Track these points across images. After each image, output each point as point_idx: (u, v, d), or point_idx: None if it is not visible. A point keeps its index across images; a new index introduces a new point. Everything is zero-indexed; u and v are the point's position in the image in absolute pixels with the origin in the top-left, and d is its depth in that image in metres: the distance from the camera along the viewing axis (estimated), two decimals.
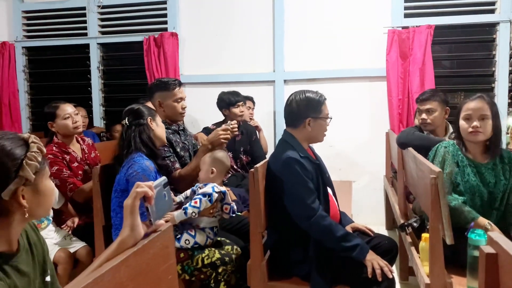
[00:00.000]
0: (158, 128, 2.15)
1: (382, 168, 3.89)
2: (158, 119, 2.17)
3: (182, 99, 2.48)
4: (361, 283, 1.83)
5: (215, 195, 1.98)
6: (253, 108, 3.94)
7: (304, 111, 2.04)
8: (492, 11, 3.69)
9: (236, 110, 3.36)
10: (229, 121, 2.45)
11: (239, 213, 2.74)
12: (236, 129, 2.38)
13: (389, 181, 3.68)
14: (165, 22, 4.30)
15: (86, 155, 2.65)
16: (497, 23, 3.66)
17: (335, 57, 4.00)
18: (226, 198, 2.05)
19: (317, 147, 2.24)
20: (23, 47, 4.65)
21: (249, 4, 4.14)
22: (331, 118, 2.10)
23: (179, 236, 1.98)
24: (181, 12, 4.28)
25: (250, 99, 3.90)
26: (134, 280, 0.93)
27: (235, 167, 3.42)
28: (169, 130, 2.42)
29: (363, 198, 3.95)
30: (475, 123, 2.00)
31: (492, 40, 3.73)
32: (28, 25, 4.67)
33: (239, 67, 4.21)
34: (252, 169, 1.91)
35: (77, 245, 2.35)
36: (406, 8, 3.82)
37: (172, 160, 2.35)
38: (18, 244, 1.08)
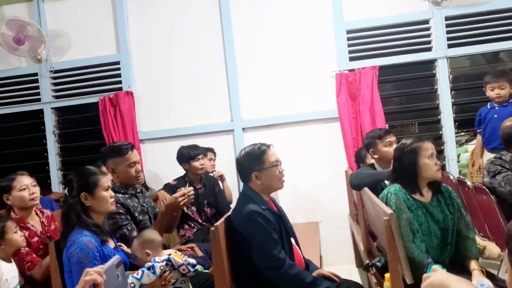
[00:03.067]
0: (96, 201, 1.93)
1: (346, 206, 3.95)
2: (100, 189, 1.94)
3: (135, 163, 2.38)
4: None
5: (158, 266, 1.93)
6: (215, 159, 3.96)
7: (248, 167, 2.08)
8: (429, 49, 3.95)
9: (196, 164, 3.37)
10: (185, 187, 2.42)
11: (206, 270, 2.70)
12: (193, 196, 2.34)
13: (353, 218, 3.73)
14: (120, 82, 4.32)
15: (46, 228, 2.56)
16: (435, 60, 3.92)
17: (289, 102, 4.12)
18: (175, 262, 2.00)
19: (281, 191, 2.27)
20: None
21: (201, 56, 4.23)
22: (278, 165, 2.09)
23: None
24: (134, 70, 4.33)
25: (211, 150, 3.92)
26: None
27: (200, 221, 3.39)
28: (126, 195, 2.36)
29: (331, 238, 3.97)
30: (438, 162, 2.10)
31: (433, 76, 3.97)
32: None
33: (197, 119, 4.25)
34: (212, 228, 1.92)
35: None
36: (350, 52, 4.03)
37: (129, 228, 2.27)
38: None
